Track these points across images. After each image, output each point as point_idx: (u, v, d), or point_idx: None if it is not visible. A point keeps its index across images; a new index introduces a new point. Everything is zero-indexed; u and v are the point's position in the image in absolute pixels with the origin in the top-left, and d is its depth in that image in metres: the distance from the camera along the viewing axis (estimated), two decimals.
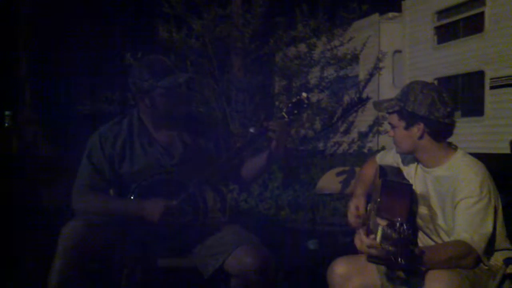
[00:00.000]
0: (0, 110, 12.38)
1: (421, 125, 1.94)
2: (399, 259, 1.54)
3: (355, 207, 2.15)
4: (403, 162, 2.15)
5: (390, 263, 1.59)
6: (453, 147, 2.02)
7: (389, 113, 2.01)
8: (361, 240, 1.74)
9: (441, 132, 1.96)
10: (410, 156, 2.09)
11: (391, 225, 1.58)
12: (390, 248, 1.56)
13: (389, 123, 2.04)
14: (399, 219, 1.59)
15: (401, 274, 1.92)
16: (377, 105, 2.05)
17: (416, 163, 2.08)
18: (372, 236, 1.70)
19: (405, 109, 1.95)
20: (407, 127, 1.97)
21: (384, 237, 1.58)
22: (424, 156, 2.01)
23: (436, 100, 1.92)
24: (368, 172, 2.27)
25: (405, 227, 1.57)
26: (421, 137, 1.96)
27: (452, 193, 1.92)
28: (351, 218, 2.15)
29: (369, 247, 1.69)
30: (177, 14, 6.14)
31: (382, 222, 1.61)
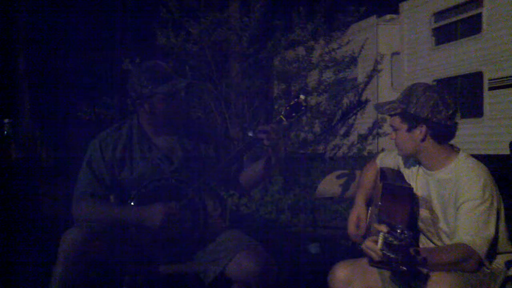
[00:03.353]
0: None
1: (424, 127, 1.93)
2: (401, 267, 1.55)
3: (357, 218, 2.15)
4: (404, 164, 2.14)
5: (391, 269, 1.59)
6: (455, 149, 2.00)
7: (391, 115, 2.00)
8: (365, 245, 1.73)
9: (443, 134, 1.95)
10: (411, 159, 2.08)
11: (392, 232, 1.59)
12: (392, 255, 1.56)
13: (391, 126, 2.03)
14: (400, 226, 1.59)
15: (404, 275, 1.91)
16: (379, 107, 2.04)
17: (417, 166, 2.07)
18: (373, 238, 1.69)
19: (407, 111, 1.93)
20: (409, 130, 1.95)
21: (385, 243, 1.58)
22: (426, 159, 2.00)
23: (439, 102, 1.91)
24: (368, 176, 2.25)
25: (406, 234, 1.57)
26: (423, 140, 1.95)
27: (454, 196, 1.91)
28: (352, 230, 2.15)
29: (369, 249, 1.69)
30: (175, 19, 6.15)
31: (383, 228, 1.60)
